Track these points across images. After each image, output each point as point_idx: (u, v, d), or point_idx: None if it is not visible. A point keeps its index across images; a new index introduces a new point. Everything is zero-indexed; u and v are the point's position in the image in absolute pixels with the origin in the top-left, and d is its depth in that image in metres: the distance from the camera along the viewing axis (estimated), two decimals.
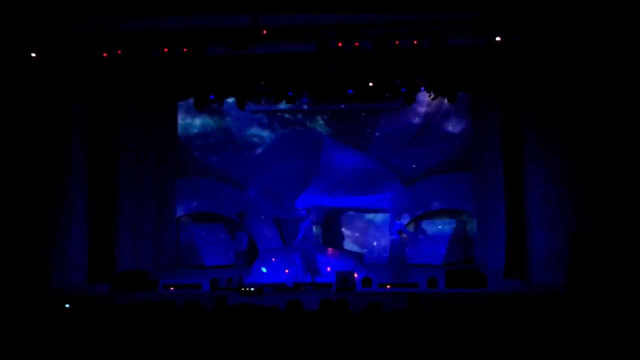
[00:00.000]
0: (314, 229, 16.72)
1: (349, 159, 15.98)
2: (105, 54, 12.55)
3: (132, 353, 6.10)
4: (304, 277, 13.12)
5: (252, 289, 11.88)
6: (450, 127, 16.60)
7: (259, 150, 17.17)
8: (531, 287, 12.21)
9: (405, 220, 15.69)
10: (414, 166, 16.70)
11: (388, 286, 12.23)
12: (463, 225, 16.58)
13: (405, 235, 13.74)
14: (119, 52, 12.53)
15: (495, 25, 11.76)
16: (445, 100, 15.19)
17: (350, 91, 14.49)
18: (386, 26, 11.92)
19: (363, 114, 16.89)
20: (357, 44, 12.11)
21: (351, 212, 16.78)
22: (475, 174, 16.18)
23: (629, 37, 11.20)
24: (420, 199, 16.35)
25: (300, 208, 13.83)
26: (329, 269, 13.60)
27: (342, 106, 16.58)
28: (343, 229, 16.95)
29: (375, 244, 16.80)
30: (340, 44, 12.08)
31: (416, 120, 16.66)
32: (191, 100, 15.35)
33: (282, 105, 16.19)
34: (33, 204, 12.49)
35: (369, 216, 16.85)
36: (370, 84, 13.93)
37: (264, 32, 12.07)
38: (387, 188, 15.29)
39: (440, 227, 16.40)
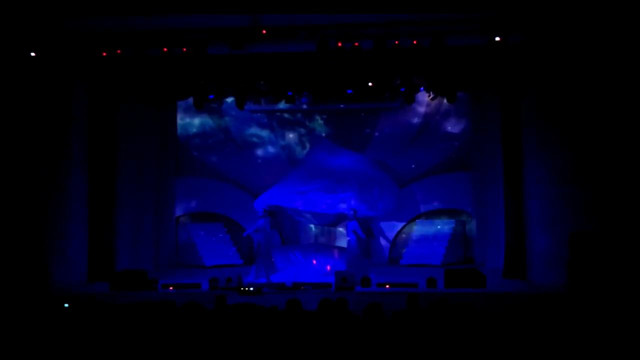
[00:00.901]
0: (313, 228, 16.73)
1: (334, 159, 15.67)
2: (105, 53, 12.58)
3: (132, 353, 6.10)
4: (260, 276, 13.04)
5: (252, 288, 11.88)
6: (449, 127, 16.59)
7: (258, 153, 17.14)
8: (531, 287, 12.21)
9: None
10: (413, 166, 16.69)
11: (387, 286, 12.23)
12: (462, 225, 16.57)
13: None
14: (119, 51, 12.55)
15: (495, 25, 11.76)
16: (445, 100, 15.19)
17: (349, 91, 14.49)
18: (386, 26, 11.93)
19: (362, 113, 16.86)
20: (357, 43, 12.12)
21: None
22: (474, 174, 16.16)
23: (629, 37, 11.20)
24: (411, 201, 16.31)
25: (257, 208, 13.81)
26: (329, 267, 13.60)
27: (342, 106, 16.53)
28: (340, 229, 16.88)
29: None
30: (340, 44, 12.10)
31: (416, 120, 16.64)
32: (190, 100, 15.35)
33: (282, 105, 16.15)
34: (33, 203, 12.49)
35: None
36: (370, 84, 13.93)
37: (264, 31, 12.08)
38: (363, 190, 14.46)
39: (439, 227, 16.38)
